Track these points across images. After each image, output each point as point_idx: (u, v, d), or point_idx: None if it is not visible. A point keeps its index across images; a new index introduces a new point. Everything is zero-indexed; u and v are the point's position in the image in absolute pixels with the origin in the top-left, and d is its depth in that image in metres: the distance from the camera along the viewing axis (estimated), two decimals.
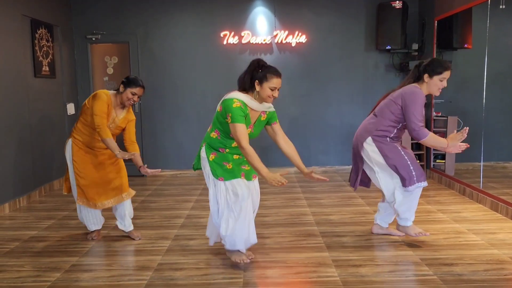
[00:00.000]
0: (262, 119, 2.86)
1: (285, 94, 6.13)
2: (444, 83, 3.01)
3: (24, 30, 4.84)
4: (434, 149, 5.65)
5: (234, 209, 2.79)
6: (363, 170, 3.34)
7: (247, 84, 2.76)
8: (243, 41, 6.00)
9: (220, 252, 3.18)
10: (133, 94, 3.22)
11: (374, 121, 3.21)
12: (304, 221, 3.93)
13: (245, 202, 2.78)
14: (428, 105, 5.62)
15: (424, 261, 2.95)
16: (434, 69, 3.00)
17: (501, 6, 4.18)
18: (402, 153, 3.13)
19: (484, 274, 2.74)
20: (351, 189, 5.16)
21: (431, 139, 2.98)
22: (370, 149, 3.18)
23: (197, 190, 5.32)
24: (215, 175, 2.81)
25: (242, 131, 2.64)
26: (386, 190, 3.19)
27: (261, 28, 6.05)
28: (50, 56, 5.35)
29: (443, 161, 5.56)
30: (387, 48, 5.80)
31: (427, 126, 5.66)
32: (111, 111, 3.26)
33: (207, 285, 2.68)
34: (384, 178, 3.18)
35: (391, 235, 3.46)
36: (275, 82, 2.71)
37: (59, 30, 5.59)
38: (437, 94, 3.07)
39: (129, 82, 3.23)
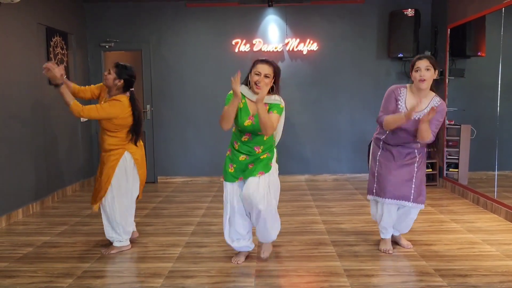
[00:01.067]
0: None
1: (296, 101, 6.14)
2: (420, 73, 2.95)
3: (40, 38, 4.93)
4: (447, 158, 5.60)
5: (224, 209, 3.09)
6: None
7: (245, 79, 2.95)
8: (255, 49, 6.02)
9: (231, 260, 3.17)
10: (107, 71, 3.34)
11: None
12: (315, 229, 3.90)
13: (227, 204, 3.04)
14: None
15: (437, 271, 2.91)
16: (411, 65, 3.08)
17: None
18: (377, 163, 3.26)
19: (500, 286, 2.69)
20: (362, 197, 5.13)
21: (389, 120, 3.02)
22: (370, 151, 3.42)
23: (208, 197, 5.33)
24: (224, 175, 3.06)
25: (225, 109, 2.79)
26: None
27: (273, 36, 6.07)
28: (64, 63, 5.42)
29: (456, 170, 5.49)
30: (399, 56, 5.78)
31: (440, 134, 5.59)
32: (102, 96, 3.45)
33: None
34: None
35: (398, 244, 3.45)
36: (259, 67, 2.77)
37: (73, 38, 5.68)
38: (420, 86, 2.98)
39: None
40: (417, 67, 2.98)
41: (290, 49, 6.04)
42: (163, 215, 4.52)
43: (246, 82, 2.93)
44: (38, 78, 4.87)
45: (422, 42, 5.84)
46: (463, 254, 3.22)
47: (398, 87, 3.14)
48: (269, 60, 2.81)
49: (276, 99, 2.88)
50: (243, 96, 2.87)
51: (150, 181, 6.22)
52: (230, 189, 3.02)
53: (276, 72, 2.82)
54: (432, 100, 3.08)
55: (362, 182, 6.02)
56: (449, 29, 5.41)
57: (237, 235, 3.08)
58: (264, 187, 2.91)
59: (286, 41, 6.03)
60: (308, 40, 6.02)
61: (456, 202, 4.84)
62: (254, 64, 2.83)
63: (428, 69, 2.95)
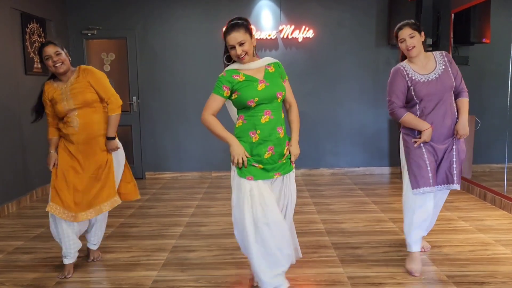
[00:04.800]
0: (270, 71, 2.43)
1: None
2: (406, 43, 2.69)
3: (14, 24, 4.54)
4: None
5: None
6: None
7: (223, 55, 2.46)
8: None
9: (222, 267, 2.87)
10: (47, 58, 2.70)
11: None
12: (313, 230, 3.61)
13: None
14: None
15: (451, 278, 2.63)
16: (395, 37, 2.79)
17: None
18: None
19: None
20: (362, 193, 4.85)
21: (409, 119, 2.71)
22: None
23: (198, 194, 5.01)
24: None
25: (211, 101, 2.32)
26: None
27: (266, 23, 5.73)
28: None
29: None
30: None
31: None
32: (54, 93, 2.80)
33: None
34: None
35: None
36: (229, 40, 2.31)
37: (52, 25, 5.29)
38: (411, 55, 2.72)
39: (39, 54, 2.75)
40: (401, 38, 2.72)
41: (285, 37, 5.70)
42: (150, 215, 4.20)
43: (230, 58, 2.43)
44: (13, 68, 4.50)
45: (423, 28, 5.52)
46: (476, 257, 2.95)
47: (399, 66, 2.79)
48: (235, 23, 2.32)
49: (270, 59, 2.46)
50: (235, 70, 2.37)
51: (137, 177, 5.90)
52: None
53: (249, 30, 2.36)
54: (436, 57, 2.78)
55: (361, 177, 5.74)
56: (452, 14, 5.11)
57: None
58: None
59: (280, 28, 5.69)
60: (303, 27, 5.68)
61: (462, 198, 4.56)
62: (225, 37, 2.34)
63: (412, 36, 2.70)
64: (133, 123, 5.87)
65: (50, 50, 2.69)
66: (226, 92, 2.31)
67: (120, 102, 2.86)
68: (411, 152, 2.77)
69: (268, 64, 2.44)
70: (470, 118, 5.05)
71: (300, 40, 5.72)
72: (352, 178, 5.66)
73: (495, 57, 4.68)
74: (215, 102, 2.32)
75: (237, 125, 2.40)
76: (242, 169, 2.30)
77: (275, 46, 5.75)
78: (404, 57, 2.86)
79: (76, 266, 2.95)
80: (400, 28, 2.74)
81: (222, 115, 2.41)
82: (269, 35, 5.69)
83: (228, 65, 2.43)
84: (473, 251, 3.06)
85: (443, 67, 2.74)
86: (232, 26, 2.31)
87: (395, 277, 2.68)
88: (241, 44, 2.30)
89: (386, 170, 5.91)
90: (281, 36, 5.71)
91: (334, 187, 5.23)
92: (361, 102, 5.81)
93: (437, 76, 2.71)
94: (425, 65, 2.75)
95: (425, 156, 2.73)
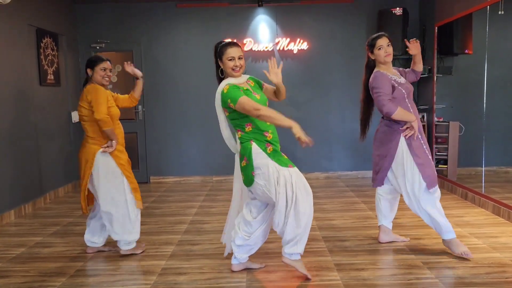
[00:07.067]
0: (252, 85, 2.84)
1: (287, 100, 6.19)
2: (385, 49, 3.13)
3: (30, 39, 4.92)
4: (436, 155, 5.68)
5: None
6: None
7: (217, 70, 2.81)
8: (246, 49, 6.05)
9: (223, 257, 3.20)
10: (103, 69, 3.20)
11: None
12: None
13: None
14: (429, 111, 5.65)
15: (425, 264, 2.97)
16: (369, 45, 3.21)
17: (500, 12, 4.23)
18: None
19: (486, 277, 2.75)
20: (353, 194, 5.19)
21: (401, 113, 3.03)
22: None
23: (200, 196, 5.35)
24: (285, 164, 2.70)
25: (247, 101, 2.59)
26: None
27: (263, 36, 6.12)
28: (55, 64, 5.43)
29: (445, 166, 5.57)
30: None
31: (429, 131, 5.68)
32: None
33: None
34: None
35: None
36: (229, 52, 2.69)
37: (64, 39, 5.68)
38: (388, 59, 3.15)
39: (94, 62, 3.21)
40: (380, 45, 3.14)
41: (281, 49, 6.09)
42: (156, 214, 4.54)
43: (219, 74, 2.81)
44: (29, 79, 4.87)
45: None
46: None
47: (381, 72, 3.14)
48: (233, 42, 2.75)
49: (246, 76, 2.84)
50: (237, 86, 2.69)
51: (142, 182, 6.24)
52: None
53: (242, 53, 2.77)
54: (396, 69, 3.32)
55: (353, 180, 6.09)
56: (436, 27, 5.49)
57: None
58: None
59: (277, 40, 6.08)
60: (298, 40, 6.07)
61: (445, 198, 4.90)
62: (222, 50, 2.72)
63: (389, 45, 3.17)
64: (138, 131, 6.23)
65: (108, 65, 3.24)
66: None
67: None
68: (418, 152, 3.08)
69: (248, 79, 2.85)
70: (455, 124, 5.45)
71: (295, 52, 6.11)
72: (345, 181, 6.01)
73: (477, 67, 5.03)
74: (248, 99, 2.60)
75: (246, 130, 2.71)
76: (282, 159, 2.69)
77: (272, 57, 6.11)
78: (369, 64, 3.28)
79: (93, 257, 3.30)
80: (379, 37, 3.19)
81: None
82: (266, 47, 6.07)
83: (222, 78, 2.81)
84: None
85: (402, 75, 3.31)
86: (232, 43, 2.76)
87: (377, 264, 3.02)
88: (239, 58, 2.72)
89: None
90: (278, 48, 6.09)
91: (327, 189, 5.57)
92: (353, 110, 6.15)
93: (404, 80, 3.22)
94: (391, 71, 3.22)
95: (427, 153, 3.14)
